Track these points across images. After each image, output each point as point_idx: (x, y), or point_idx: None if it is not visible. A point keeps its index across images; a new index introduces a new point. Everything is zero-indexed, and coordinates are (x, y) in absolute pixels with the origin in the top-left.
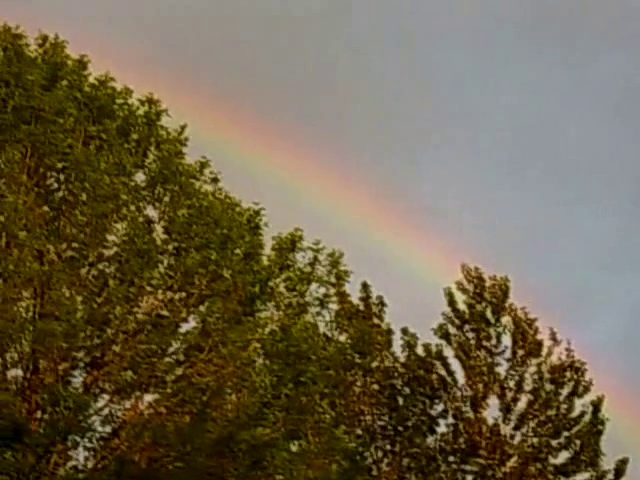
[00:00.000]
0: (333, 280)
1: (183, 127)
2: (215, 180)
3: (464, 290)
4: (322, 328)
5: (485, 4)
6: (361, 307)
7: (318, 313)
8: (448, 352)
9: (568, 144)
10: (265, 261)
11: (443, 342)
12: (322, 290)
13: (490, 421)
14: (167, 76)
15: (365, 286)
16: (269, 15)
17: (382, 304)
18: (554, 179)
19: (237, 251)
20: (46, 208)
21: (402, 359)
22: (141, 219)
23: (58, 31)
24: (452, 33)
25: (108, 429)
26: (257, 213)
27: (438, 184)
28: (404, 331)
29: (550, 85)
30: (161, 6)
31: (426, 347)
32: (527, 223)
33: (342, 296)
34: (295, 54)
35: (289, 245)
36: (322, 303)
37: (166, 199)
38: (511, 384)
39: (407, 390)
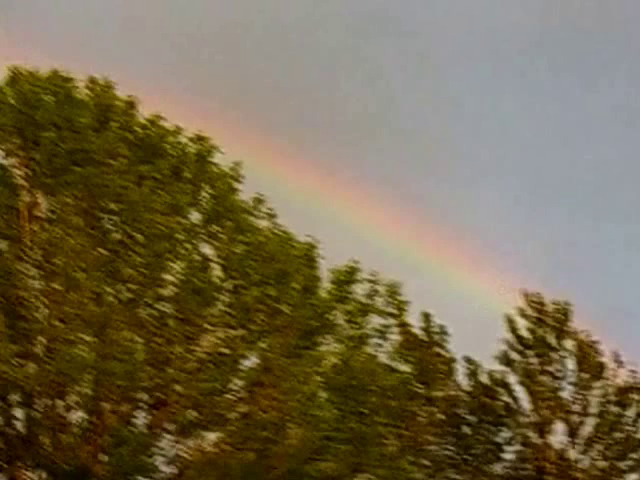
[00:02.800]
0: (392, 311)
1: (237, 164)
2: (270, 215)
3: (525, 316)
4: (383, 359)
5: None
6: (422, 337)
7: (378, 344)
8: (511, 378)
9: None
10: (323, 294)
11: (506, 369)
12: (381, 321)
13: (557, 446)
14: (218, 113)
15: (426, 316)
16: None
17: (444, 333)
18: (607, 199)
19: (294, 285)
20: (102, 250)
21: (465, 387)
22: (197, 257)
23: (107, 73)
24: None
25: (173, 469)
26: (313, 246)
27: (492, 211)
28: (467, 359)
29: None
30: (207, 43)
31: (489, 374)
32: (584, 244)
33: (403, 326)
34: (341, 88)
35: (346, 277)
36: (382, 334)
37: (222, 236)
38: (576, 408)
39: (472, 418)
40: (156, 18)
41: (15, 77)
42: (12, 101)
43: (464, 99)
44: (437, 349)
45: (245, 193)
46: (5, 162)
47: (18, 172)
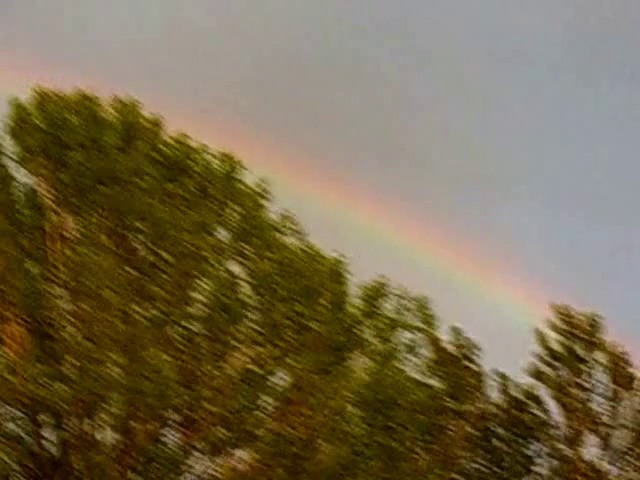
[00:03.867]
0: (421, 325)
1: (263, 181)
2: (298, 232)
3: (555, 328)
4: (413, 374)
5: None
6: (452, 351)
7: (407, 359)
8: (542, 391)
9: None
10: (351, 310)
11: (536, 381)
12: (411, 336)
13: (588, 458)
14: (245, 130)
15: (455, 330)
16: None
17: (474, 347)
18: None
19: (323, 301)
20: (130, 269)
21: (496, 401)
22: (225, 275)
23: (132, 92)
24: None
25: None
26: (341, 262)
27: (522, 224)
28: (496, 373)
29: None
30: (232, 61)
31: (520, 388)
32: (615, 257)
33: (432, 341)
34: (369, 103)
35: (375, 292)
36: (411, 349)
37: (250, 254)
38: (607, 420)
39: (502, 432)
40: (181, 38)
41: (41, 98)
42: (38, 122)
43: (494, 113)
44: (467, 363)
45: (273, 210)
46: (32, 183)
47: (45, 193)
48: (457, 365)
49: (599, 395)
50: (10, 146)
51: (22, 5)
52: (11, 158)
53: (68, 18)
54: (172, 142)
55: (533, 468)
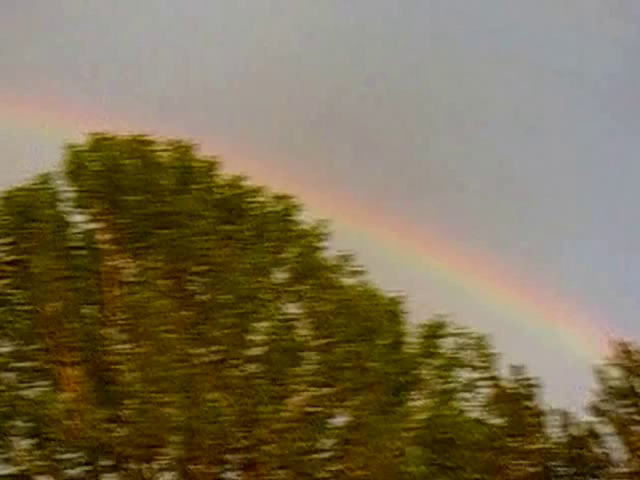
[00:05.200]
0: (480, 364)
1: (321, 221)
2: (355, 272)
3: (614, 365)
4: (473, 413)
5: None
6: (512, 390)
7: (467, 398)
8: (603, 429)
9: None
10: (411, 349)
11: (597, 418)
12: (469, 374)
13: None
14: (301, 171)
15: (515, 368)
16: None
17: (533, 385)
18: None
19: (381, 341)
20: (188, 312)
21: (556, 439)
22: (283, 317)
23: (188, 134)
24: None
25: None
26: (399, 301)
27: (581, 261)
28: (557, 411)
29: None
30: (287, 103)
31: (580, 425)
32: None
33: (492, 379)
34: (426, 139)
35: (434, 331)
36: (471, 387)
37: (308, 295)
38: None
39: (564, 470)
40: (236, 79)
41: (96, 142)
42: (94, 166)
43: (559, 151)
44: (527, 401)
45: (331, 250)
46: (88, 227)
47: (101, 236)
48: (517, 403)
49: None
50: (66, 190)
51: (73, 52)
52: (67, 202)
53: (121, 62)
54: (228, 184)
55: None
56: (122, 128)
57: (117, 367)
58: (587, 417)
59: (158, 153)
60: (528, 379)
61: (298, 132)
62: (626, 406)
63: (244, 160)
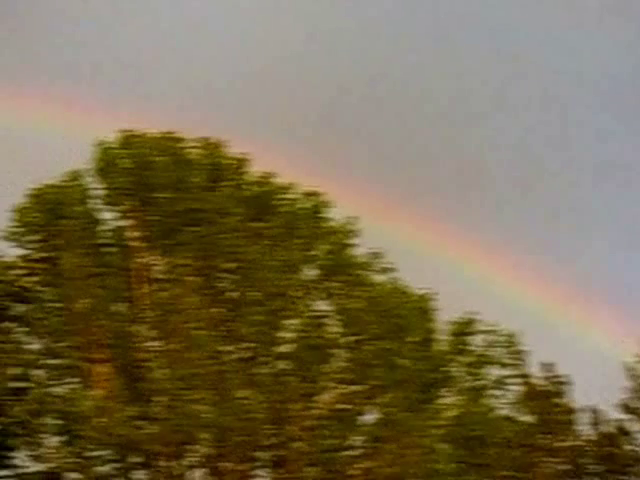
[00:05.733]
0: (510, 361)
1: (351, 218)
2: (386, 269)
3: None
4: (503, 410)
5: None
6: (542, 386)
7: (497, 395)
8: (634, 426)
9: None
10: (441, 346)
11: (627, 417)
12: (500, 371)
13: None
14: (332, 167)
15: (545, 365)
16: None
17: (564, 382)
18: None
19: (412, 338)
20: (218, 309)
21: (586, 436)
22: (313, 314)
23: (219, 131)
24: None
25: None
26: (429, 299)
27: (609, 259)
28: (588, 408)
29: None
30: (318, 100)
31: (611, 422)
32: None
33: (522, 377)
34: (455, 137)
35: (464, 328)
36: (501, 385)
37: (338, 292)
38: None
39: (595, 468)
40: (267, 78)
41: (126, 139)
42: (124, 163)
43: (587, 149)
44: (557, 399)
45: (361, 247)
46: (118, 224)
47: (131, 233)
48: (547, 401)
49: None
50: (96, 187)
51: (105, 51)
52: (97, 199)
53: (152, 59)
54: (257, 181)
55: None
56: (152, 125)
57: (147, 364)
58: (617, 414)
59: (187, 150)
60: (558, 377)
61: (329, 129)
62: None
63: (274, 157)
